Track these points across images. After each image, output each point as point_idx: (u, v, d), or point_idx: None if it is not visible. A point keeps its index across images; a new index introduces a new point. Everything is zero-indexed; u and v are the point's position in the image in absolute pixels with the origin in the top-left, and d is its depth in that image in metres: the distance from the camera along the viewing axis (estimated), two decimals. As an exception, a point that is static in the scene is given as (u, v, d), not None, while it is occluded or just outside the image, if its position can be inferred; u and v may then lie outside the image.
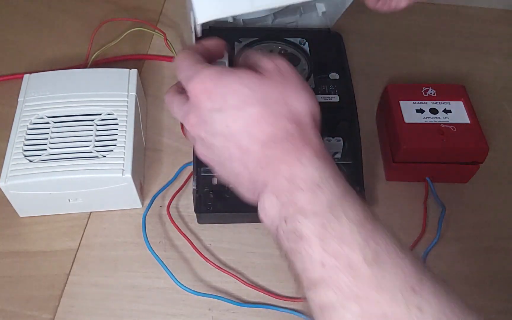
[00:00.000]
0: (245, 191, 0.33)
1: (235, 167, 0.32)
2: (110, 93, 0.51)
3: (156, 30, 0.64)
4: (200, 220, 0.49)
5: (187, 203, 0.51)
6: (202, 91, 0.31)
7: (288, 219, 0.28)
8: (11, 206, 0.48)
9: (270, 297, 0.45)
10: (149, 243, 0.46)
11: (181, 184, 0.51)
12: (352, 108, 0.52)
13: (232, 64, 0.36)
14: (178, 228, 0.48)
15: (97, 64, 0.61)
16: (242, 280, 0.46)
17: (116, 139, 0.48)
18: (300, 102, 0.31)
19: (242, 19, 0.54)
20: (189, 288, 0.44)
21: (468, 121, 0.51)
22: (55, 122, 0.48)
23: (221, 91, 0.31)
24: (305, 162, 0.29)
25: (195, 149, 0.34)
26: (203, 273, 0.46)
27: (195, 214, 0.49)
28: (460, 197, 0.53)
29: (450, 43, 0.69)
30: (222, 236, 0.49)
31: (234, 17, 0.55)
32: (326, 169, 0.29)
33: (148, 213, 0.49)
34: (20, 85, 0.51)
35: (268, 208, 0.30)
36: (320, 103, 0.35)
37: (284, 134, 0.30)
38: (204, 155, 0.34)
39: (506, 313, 0.46)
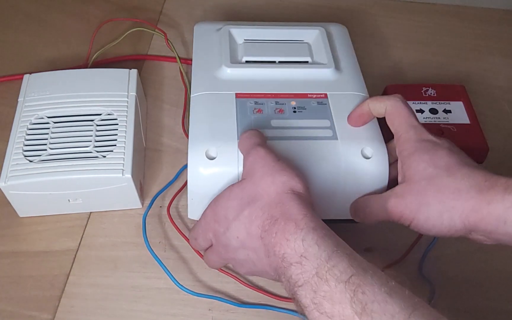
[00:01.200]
0: (272, 278, 0.38)
1: (257, 266, 0.38)
2: (110, 93, 0.51)
3: (156, 30, 0.64)
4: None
5: (187, 203, 0.51)
6: (211, 222, 0.39)
7: (292, 293, 0.33)
8: (11, 206, 0.48)
9: (270, 297, 0.45)
10: (149, 244, 0.46)
11: (181, 185, 0.51)
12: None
13: None
14: (178, 228, 0.48)
15: (97, 64, 0.61)
16: (241, 280, 0.46)
17: (116, 139, 0.48)
18: (276, 186, 0.36)
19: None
20: (188, 289, 0.44)
21: (468, 121, 0.52)
22: (55, 122, 0.48)
23: (221, 213, 0.38)
24: (290, 238, 0.33)
25: (233, 267, 0.41)
26: (203, 274, 0.46)
27: (195, 214, 0.49)
28: (460, 197, 0.53)
29: (451, 42, 0.69)
30: (222, 236, 0.49)
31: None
32: (309, 236, 0.33)
33: (148, 213, 0.49)
34: (20, 85, 0.51)
35: (285, 288, 0.34)
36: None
37: (270, 221, 0.35)
38: (238, 269, 0.41)
39: (506, 313, 0.45)
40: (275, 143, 0.43)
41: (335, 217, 0.46)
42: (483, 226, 0.35)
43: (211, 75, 0.49)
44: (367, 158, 0.43)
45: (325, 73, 0.49)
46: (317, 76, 0.49)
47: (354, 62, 0.52)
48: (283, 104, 0.46)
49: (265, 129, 0.44)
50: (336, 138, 0.43)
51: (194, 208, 0.45)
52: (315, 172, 0.42)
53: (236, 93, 0.47)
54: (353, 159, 0.43)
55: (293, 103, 0.46)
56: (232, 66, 0.49)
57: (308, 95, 0.47)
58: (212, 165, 0.42)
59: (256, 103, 0.46)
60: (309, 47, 0.53)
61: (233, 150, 0.42)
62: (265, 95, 0.47)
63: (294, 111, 0.46)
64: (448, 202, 0.36)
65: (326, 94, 0.47)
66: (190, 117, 0.46)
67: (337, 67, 0.50)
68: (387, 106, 0.42)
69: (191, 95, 0.48)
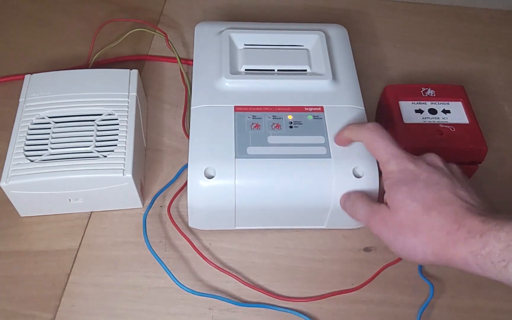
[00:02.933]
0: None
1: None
2: (111, 93, 0.51)
3: (157, 31, 0.65)
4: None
5: (187, 203, 0.51)
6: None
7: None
8: (12, 206, 0.48)
9: (270, 297, 0.45)
10: (149, 243, 0.46)
11: (181, 185, 0.52)
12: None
13: None
14: (178, 228, 0.48)
15: (98, 64, 0.61)
16: (241, 280, 0.46)
17: (117, 139, 0.48)
18: None
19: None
20: (189, 288, 0.44)
21: (467, 121, 0.52)
22: (56, 122, 0.49)
23: None
24: None
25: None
26: (203, 273, 0.47)
27: (195, 214, 0.49)
28: (459, 197, 0.53)
29: (450, 43, 0.69)
30: (222, 236, 0.49)
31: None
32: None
33: (149, 213, 0.49)
34: (21, 86, 0.51)
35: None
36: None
37: None
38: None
39: (506, 313, 0.46)
40: (271, 161, 0.45)
41: (327, 228, 0.49)
42: (453, 264, 0.37)
43: (211, 86, 0.50)
44: (359, 177, 0.45)
45: (323, 85, 0.51)
46: (314, 87, 0.51)
47: (352, 71, 0.54)
48: (280, 118, 0.48)
49: (261, 147, 0.46)
50: (330, 157, 0.45)
51: (194, 218, 0.47)
52: (308, 188, 0.45)
53: (235, 106, 0.48)
54: (345, 178, 0.45)
55: (290, 117, 0.48)
56: (232, 77, 0.50)
57: (305, 108, 0.49)
58: (211, 182, 0.44)
59: (254, 117, 0.48)
60: (308, 54, 0.54)
61: (230, 167, 0.44)
62: (263, 109, 0.49)
63: (291, 127, 0.47)
64: (421, 237, 0.37)
65: (322, 107, 0.49)
66: (191, 131, 0.47)
67: (335, 78, 0.51)
68: (364, 138, 0.43)
69: (192, 107, 0.49)
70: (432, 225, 0.37)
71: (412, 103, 0.53)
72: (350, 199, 0.44)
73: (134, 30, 0.63)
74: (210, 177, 0.44)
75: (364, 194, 0.44)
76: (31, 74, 0.53)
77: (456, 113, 0.52)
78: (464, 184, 0.40)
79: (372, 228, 0.42)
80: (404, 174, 0.40)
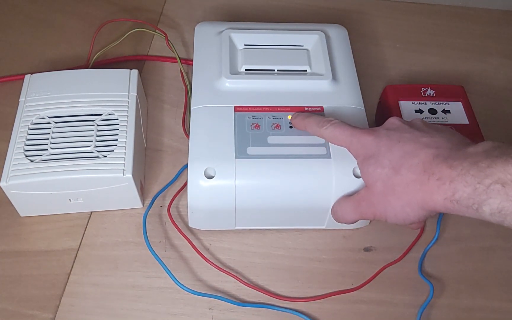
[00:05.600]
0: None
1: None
2: (111, 93, 0.51)
3: (157, 31, 0.65)
4: (200, 220, 0.50)
5: (187, 203, 0.51)
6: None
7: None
8: (12, 206, 0.48)
9: (270, 297, 0.45)
10: (149, 243, 0.46)
11: (181, 185, 0.52)
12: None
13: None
14: (178, 228, 0.48)
15: (98, 64, 0.61)
16: (241, 280, 0.46)
17: (117, 139, 0.48)
18: None
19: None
20: (189, 288, 0.44)
21: (467, 122, 0.52)
22: (56, 122, 0.49)
23: None
24: None
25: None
26: (203, 273, 0.47)
27: (195, 214, 0.49)
28: (459, 197, 0.53)
29: (450, 43, 0.69)
30: (222, 236, 0.49)
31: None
32: None
33: (149, 213, 0.49)
34: (22, 86, 0.51)
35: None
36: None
37: None
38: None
39: (506, 313, 0.46)
40: (271, 162, 0.45)
41: (327, 228, 0.49)
42: (440, 211, 0.37)
43: (211, 86, 0.50)
44: (358, 177, 0.44)
45: (323, 85, 0.51)
46: (314, 87, 0.51)
47: (352, 71, 0.54)
48: (280, 118, 0.48)
49: (261, 147, 0.46)
50: (329, 157, 0.45)
51: (194, 218, 0.47)
52: (308, 189, 0.45)
53: (235, 107, 0.48)
54: (345, 178, 0.45)
55: (290, 117, 0.48)
56: (232, 77, 0.50)
57: (305, 109, 0.49)
58: (211, 182, 0.44)
59: (254, 117, 0.48)
60: (308, 54, 0.54)
61: (230, 167, 0.44)
62: (263, 109, 0.49)
63: (291, 127, 0.47)
64: (404, 197, 0.38)
65: (322, 107, 0.49)
66: (191, 131, 0.47)
67: (335, 78, 0.51)
68: (324, 137, 0.45)
69: (192, 107, 0.49)
70: (407, 182, 0.37)
71: (412, 103, 0.53)
72: (334, 210, 0.45)
73: (134, 30, 0.63)
74: (210, 177, 0.44)
75: (342, 197, 0.44)
76: (31, 74, 0.53)
77: (456, 113, 0.52)
78: (427, 131, 0.40)
79: (365, 216, 0.42)
80: (367, 148, 0.41)
